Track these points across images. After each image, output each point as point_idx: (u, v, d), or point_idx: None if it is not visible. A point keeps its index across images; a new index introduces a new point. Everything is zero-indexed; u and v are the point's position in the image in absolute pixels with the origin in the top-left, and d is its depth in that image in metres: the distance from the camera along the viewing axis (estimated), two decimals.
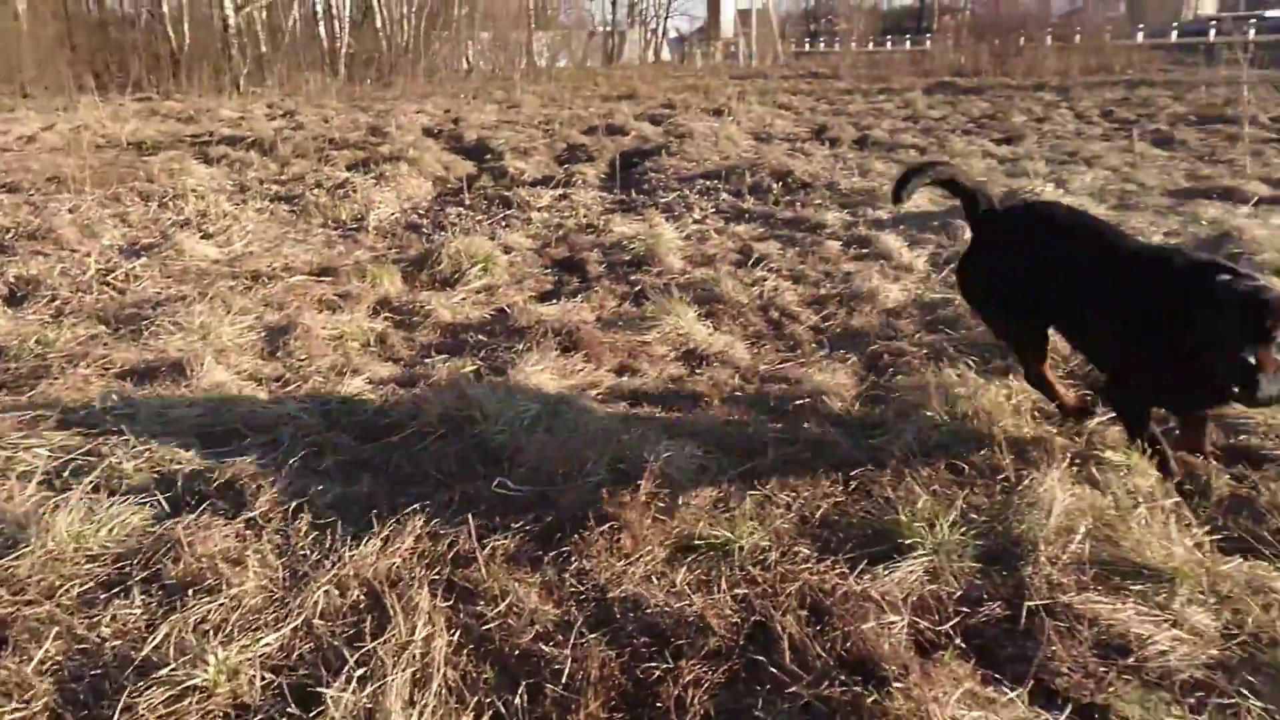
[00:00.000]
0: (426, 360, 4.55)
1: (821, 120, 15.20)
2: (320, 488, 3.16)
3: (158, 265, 6.38)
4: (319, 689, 2.16)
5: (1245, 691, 2.20)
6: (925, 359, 4.45)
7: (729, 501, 3.09)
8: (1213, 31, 36.28)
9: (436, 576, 2.67)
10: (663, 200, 8.79)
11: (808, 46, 50.63)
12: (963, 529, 2.85)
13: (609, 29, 42.73)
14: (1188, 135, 12.42)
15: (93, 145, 12.09)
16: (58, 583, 2.63)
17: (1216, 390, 2.78)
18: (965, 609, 2.54)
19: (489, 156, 11.77)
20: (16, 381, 4.24)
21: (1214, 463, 3.32)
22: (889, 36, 50.23)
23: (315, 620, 2.44)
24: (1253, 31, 35.10)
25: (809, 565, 2.73)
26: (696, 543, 2.85)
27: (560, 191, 9.24)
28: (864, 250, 6.70)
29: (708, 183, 9.40)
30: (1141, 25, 40.85)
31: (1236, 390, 2.69)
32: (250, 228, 7.56)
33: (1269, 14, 44.93)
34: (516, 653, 2.36)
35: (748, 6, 45.92)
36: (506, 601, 2.54)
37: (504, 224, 7.88)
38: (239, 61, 26.31)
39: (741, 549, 2.80)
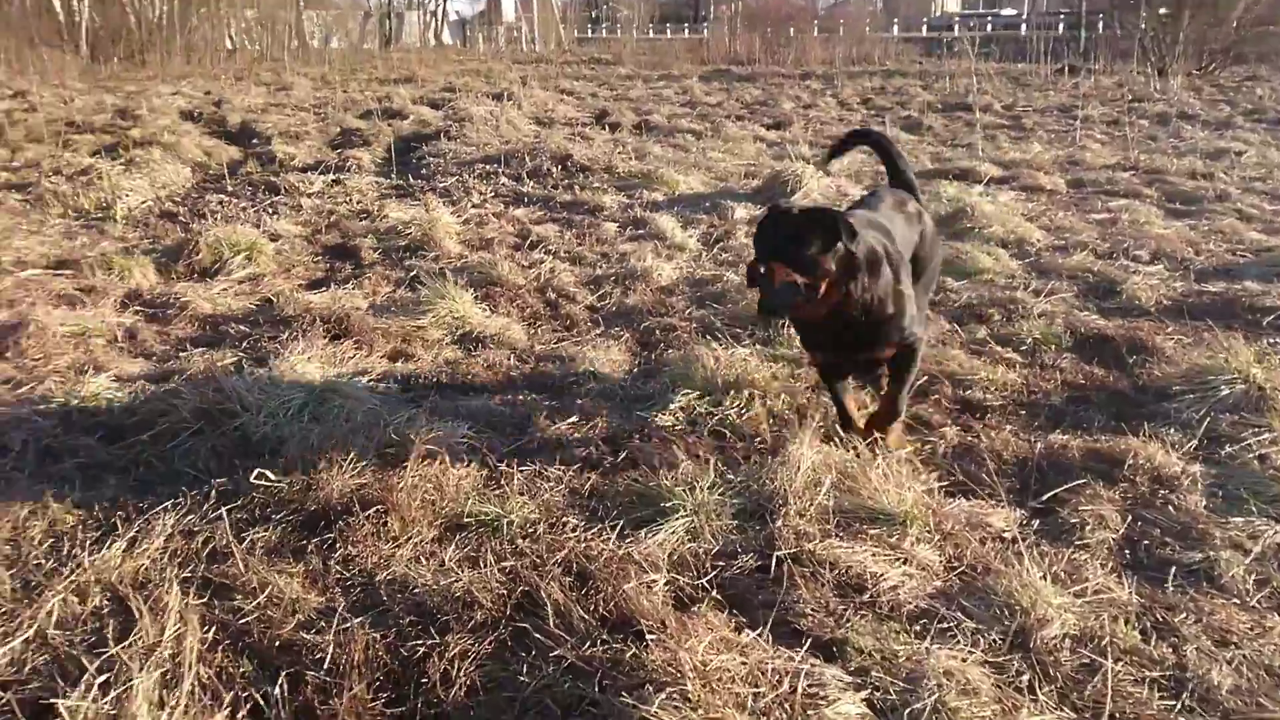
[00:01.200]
0: (182, 354, 4.29)
1: (603, 105, 15.41)
2: (57, 493, 2.94)
3: None
4: (54, 700, 2.02)
5: (960, 614, 2.47)
6: (695, 333, 4.65)
7: (500, 478, 3.13)
8: (956, 27, 39.50)
9: (190, 575, 2.55)
10: (441, 185, 8.66)
11: (590, 32, 51.05)
12: (721, 490, 3.02)
13: (386, 10, 41.33)
14: (934, 121, 13.53)
15: None
16: None
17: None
18: (721, 563, 2.70)
19: (256, 141, 11.17)
20: None
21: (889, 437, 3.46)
22: (668, 24, 51.45)
23: (50, 630, 2.28)
24: (990, 28, 38.56)
25: (576, 534, 2.81)
26: (466, 520, 2.87)
27: (333, 177, 8.91)
28: (640, 231, 6.88)
29: (488, 167, 9.33)
30: (896, 19, 43.93)
31: (759, 301, 2.97)
32: None
33: (1004, 12, 49.48)
34: (277, 644, 2.30)
35: None
36: (266, 594, 2.47)
37: (271, 211, 7.51)
38: None
39: (511, 523, 2.85)
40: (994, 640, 2.37)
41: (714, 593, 2.57)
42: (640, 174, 8.84)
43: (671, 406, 3.72)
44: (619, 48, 33.88)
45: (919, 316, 3.38)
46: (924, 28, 45.30)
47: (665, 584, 2.58)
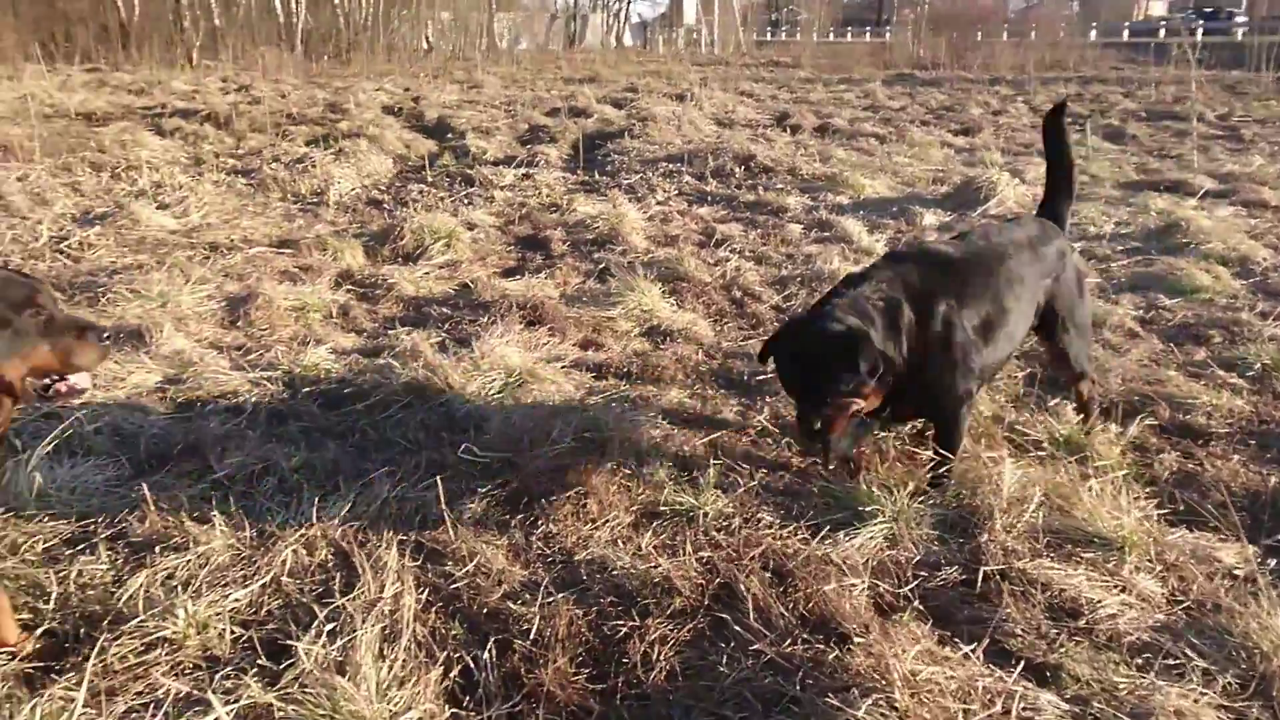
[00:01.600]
0: (390, 332, 4.54)
1: (783, 107, 15.28)
2: (285, 452, 3.16)
3: (112, 234, 6.27)
4: (289, 642, 2.17)
5: (1190, 652, 2.30)
6: None
7: (693, 470, 3.14)
8: (1162, 31, 37.01)
9: (404, 538, 2.68)
10: (626, 181, 8.80)
11: (769, 35, 50.77)
12: (921, 499, 2.93)
13: (571, 12, 42.52)
14: (1138, 130, 12.69)
15: (40, 115, 11.76)
16: (21, 539, 2.60)
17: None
18: (924, 573, 2.62)
19: (451, 135, 11.68)
20: None
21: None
22: (849, 27, 50.56)
23: (284, 578, 2.45)
24: (1200, 33, 35.89)
25: (772, 531, 2.79)
26: (661, 509, 2.90)
27: (523, 171, 9.20)
28: (825, 234, 6.77)
29: (671, 165, 9.42)
30: (1095, 24, 41.55)
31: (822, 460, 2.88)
32: (207, 200, 7.43)
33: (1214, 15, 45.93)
34: (485, 611, 2.39)
35: None
36: (474, 562, 2.57)
37: (467, 202, 7.84)
38: (191, 34, 25.71)
39: (706, 515, 2.86)
40: (1229, 684, 2.19)
41: (916, 603, 2.50)
42: (824, 176, 8.72)
43: None
44: (798, 50, 33.48)
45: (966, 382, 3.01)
46: (1124, 32, 42.71)
47: (865, 589, 2.52)
